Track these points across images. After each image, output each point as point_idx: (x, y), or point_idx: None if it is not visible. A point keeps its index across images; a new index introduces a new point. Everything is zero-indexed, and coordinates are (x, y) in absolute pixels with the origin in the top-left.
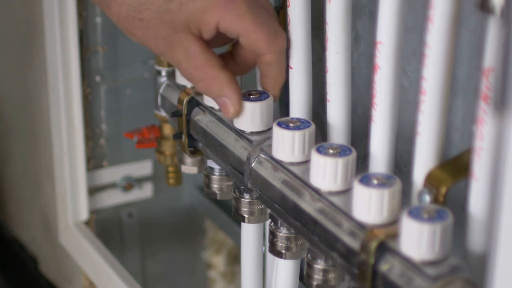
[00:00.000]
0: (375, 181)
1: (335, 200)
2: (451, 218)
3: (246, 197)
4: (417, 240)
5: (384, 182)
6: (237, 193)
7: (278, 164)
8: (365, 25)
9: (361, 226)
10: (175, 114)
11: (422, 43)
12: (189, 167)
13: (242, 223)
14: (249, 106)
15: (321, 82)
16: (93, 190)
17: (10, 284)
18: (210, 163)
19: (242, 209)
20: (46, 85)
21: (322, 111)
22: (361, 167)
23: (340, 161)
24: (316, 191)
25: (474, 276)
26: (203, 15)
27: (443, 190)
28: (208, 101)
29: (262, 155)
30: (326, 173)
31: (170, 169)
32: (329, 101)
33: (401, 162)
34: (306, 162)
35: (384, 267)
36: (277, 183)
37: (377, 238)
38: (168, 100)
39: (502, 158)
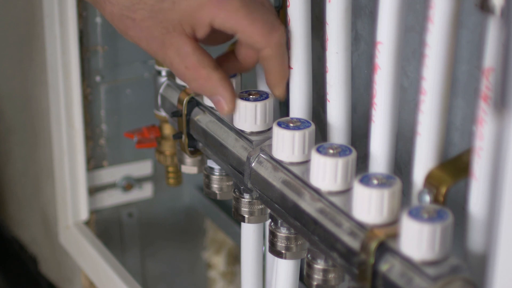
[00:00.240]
0: (375, 181)
1: (335, 200)
2: (451, 218)
3: (246, 197)
4: (417, 240)
5: (384, 182)
6: (237, 193)
7: (278, 164)
8: (365, 25)
9: (361, 226)
10: (175, 114)
11: (422, 43)
12: (189, 167)
13: (242, 223)
14: (249, 106)
15: (321, 82)
16: (93, 190)
17: (10, 284)
18: (210, 163)
19: (242, 209)
20: (46, 85)
21: (322, 111)
22: (361, 167)
23: (340, 161)
24: (316, 191)
25: (474, 276)
26: (196, 13)
27: (443, 190)
28: (208, 101)
29: (262, 155)
30: (326, 173)
31: (170, 169)
32: (329, 101)
33: (401, 162)
34: (306, 162)
35: (384, 267)
36: (277, 183)
37: (377, 238)
38: (168, 100)
39: (502, 158)
